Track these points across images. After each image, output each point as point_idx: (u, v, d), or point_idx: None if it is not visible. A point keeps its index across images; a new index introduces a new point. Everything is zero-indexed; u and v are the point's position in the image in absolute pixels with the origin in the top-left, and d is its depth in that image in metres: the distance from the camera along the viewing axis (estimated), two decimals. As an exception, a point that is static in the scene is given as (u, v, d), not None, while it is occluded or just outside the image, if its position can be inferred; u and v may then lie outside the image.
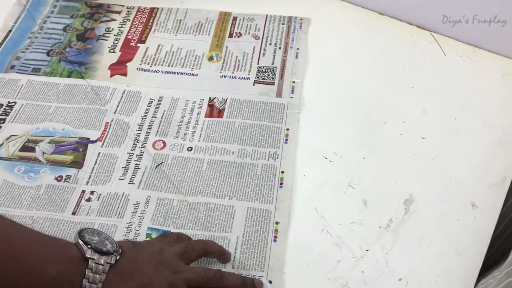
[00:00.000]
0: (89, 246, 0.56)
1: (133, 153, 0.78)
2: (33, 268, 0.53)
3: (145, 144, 0.79)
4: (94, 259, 0.55)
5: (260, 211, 0.72)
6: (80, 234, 0.57)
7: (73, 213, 0.72)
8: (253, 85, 0.87)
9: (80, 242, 0.56)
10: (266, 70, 0.89)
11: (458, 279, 0.67)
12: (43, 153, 0.78)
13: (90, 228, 0.60)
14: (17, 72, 0.88)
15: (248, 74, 0.89)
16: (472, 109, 0.84)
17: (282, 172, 0.76)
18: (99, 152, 0.78)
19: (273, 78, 0.88)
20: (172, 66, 0.90)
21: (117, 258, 0.57)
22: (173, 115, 0.83)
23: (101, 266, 0.55)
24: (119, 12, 0.99)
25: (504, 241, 0.80)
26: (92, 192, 0.74)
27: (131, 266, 0.58)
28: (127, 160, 0.77)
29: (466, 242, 0.70)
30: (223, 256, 0.67)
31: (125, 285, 0.56)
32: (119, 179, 0.75)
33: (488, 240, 0.70)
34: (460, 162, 0.78)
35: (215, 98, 0.85)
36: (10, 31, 0.95)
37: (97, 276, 0.54)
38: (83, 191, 0.74)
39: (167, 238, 0.67)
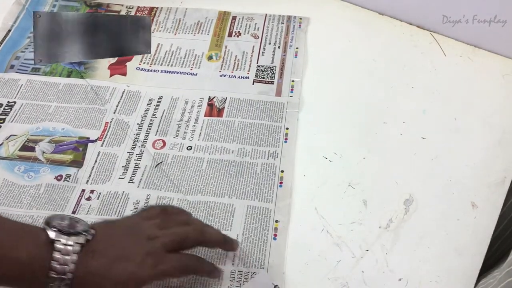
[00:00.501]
0: (54, 229, 0.55)
1: (133, 153, 0.78)
2: (3, 254, 0.53)
3: (145, 144, 0.79)
4: (60, 241, 0.54)
5: (260, 210, 0.72)
6: (47, 220, 0.56)
7: (73, 212, 0.72)
8: (253, 84, 0.87)
9: (46, 226, 0.55)
10: (266, 69, 0.89)
11: (458, 279, 0.67)
12: (43, 152, 0.78)
13: (59, 214, 0.59)
14: (16, 72, 0.88)
15: (248, 73, 0.89)
16: (472, 109, 0.84)
17: (282, 171, 0.76)
18: (99, 152, 0.78)
19: (272, 77, 0.88)
20: (171, 65, 0.90)
21: (89, 238, 0.56)
22: (172, 115, 0.83)
23: (70, 247, 0.54)
24: (118, 12, 0.99)
25: (504, 241, 0.80)
26: (92, 191, 0.74)
27: (104, 243, 0.57)
28: (127, 160, 0.77)
29: (466, 242, 0.70)
30: (209, 239, 0.65)
31: (97, 263, 0.55)
32: (119, 178, 0.75)
33: (488, 240, 0.70)
34: (460, 162, 0.78)
35: (214, 97, 0.85)
36: (9, 30, 0.95)
37: (68, 257, 0.54)
38: (83, 190, 0.74)
39: (148, 212, 0.65)
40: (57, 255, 0.54)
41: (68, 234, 0.55)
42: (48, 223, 0.56)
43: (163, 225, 0.61)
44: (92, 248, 0.56)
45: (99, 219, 0.71)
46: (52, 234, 0.54)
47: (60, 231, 0.55)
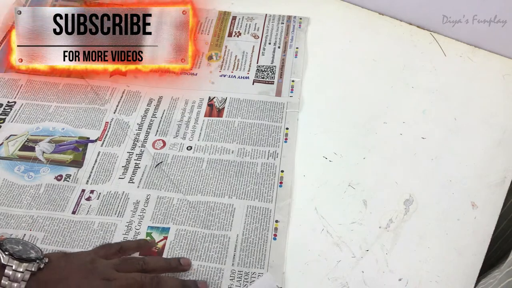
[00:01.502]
0: (6, 253, 0.54)
1: (133, 153, 0.78)
2: None
3: (145, 144, 0.79)
4: (12, 266, 0.53)
5: (260, 210, 0.72)
6: (1, 243, 0.55)
7: (73, 212, 0.72)
8: (253, 84, 0.87)
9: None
10: (266, 69, 0.89)
11: (458, 279, 0.67)
12: (43, 152, 0.78)
13: (14, 238, 0.59)
14: (16, 72, 0.88)
15: (248, 73, 0.89)
16: (472, 109, 0.84)
17: (282, 171, 0.76)
18: (99, 152, 0.78)
19: (272, 77, 0.88)
20: (171, 65, 0.90)
21: (41, 267, 0.55)
22: (172, 115, 0.83)
23: (19, 274, 0.53)
24: (118, 12, 0.99)
25: (504, 241, 0.80)
26: (92, 191, 0.74)
27: (56, 275, 0.56)
28: (127, 160, 0.77)
29: (466, 242, 0.70)
30: (173, 270, 0.65)
31: None
32: (119, 178, 0.75)
33: (488, 240, 0.70)
34: (460, 162, 0.78)
35: (214, 97, 0.85)
36: (9, 31, 0.95)
37: (15, 284, 0.53)
38: (83, 190, 0.74)
39: (105, 249, 0.64)
40: (5, 281, 0.52)
41: (20, 259, 0.54)
42: (1, 245, 0.55)
43: (120, 267, 0.60)
44: (44, 278, 0.55)
45: (99, 219, 0.71)
46: (4, 259, 0.53)
47: (12, 256, 0.54)
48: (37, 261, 0.55)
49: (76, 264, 0.58)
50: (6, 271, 0.53)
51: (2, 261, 0.53)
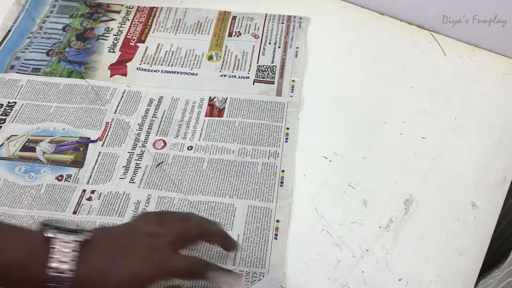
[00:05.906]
0: (51, 228, 0.52)
1: (133, 153, 0.78)
2: None
3: (145, 144, 0.79)
4: (58, 238, 0.52)
5: (261, 209, 0.72)
6: (43, 222, 0.54)
7: (74, 212, 0.72)
8: (253, 84, 0.87)
9: (43, 227, 0.53)
10: (266, 69, 0.89)
11: (458, 279, 0.67)
12: (44, 152, 0.78)
13: (54, 219, 0.59)
14: (17, 72, 0.88)
15: (248, 73, 0.89)
16: (472, 109, 0.84)
17: (283, 170, 0.76)
18: (100, 152, 0.78)
19: (272, 77, 0.88)
20: (171, 65, 0.90)
21: (87, 238, 0.53)
22: (173, 115, 0.83)
23: (69, 244, 0.52)
24: (118, 12, 0.99)
25: (504, 241, 0.80)
26: (93, 191, 0.74)
27: (103, 243, 0.54)
28: (127, 160, 0.77)
29: (466, 242, 0.70)
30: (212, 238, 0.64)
31: (99, 260, 0.53)
32: (120, 178, 0.75)
33: (488, 240, 0.70)
34: (460, 162, 0.78)
35: (215, 97, 0.85)
36: (9, 31, 0.95)
37: (66, 255, 0.51)
38: (84, 190, 0.74)
39: (143, 215, 0.63)
40: (55, 252, 0.51)
41: (65, 231, 0.53)
42: (45, 224, 0.54)
43: (161, 223, 0.59)
44: (91, 247, 0.53)
45: (100, 219, 0.71)
46: (49, 232, 0.52)
47: (56, 229, 0.53)
48: (82, 232, 0.54)
49: (118, 231, 0.57)
50: (54, 242, 0.51)
51: (47, 234, 0.52)
